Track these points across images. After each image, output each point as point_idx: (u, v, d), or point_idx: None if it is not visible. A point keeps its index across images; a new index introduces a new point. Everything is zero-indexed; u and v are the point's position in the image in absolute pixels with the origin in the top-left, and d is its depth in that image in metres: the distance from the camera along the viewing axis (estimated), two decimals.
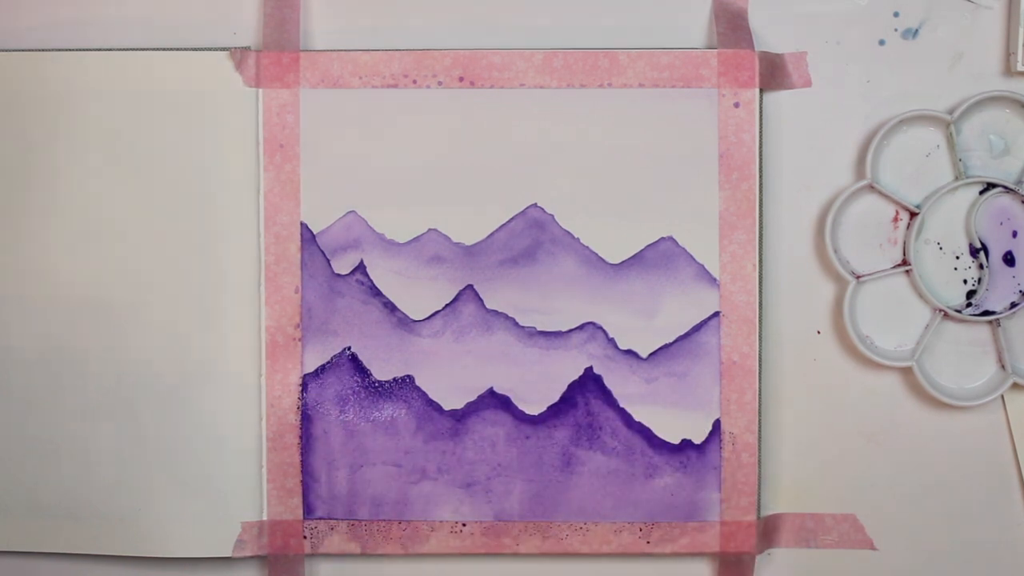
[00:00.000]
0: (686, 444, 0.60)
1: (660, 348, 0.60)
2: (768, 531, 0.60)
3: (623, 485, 0.60)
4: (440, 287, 0.60)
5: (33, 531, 0.61)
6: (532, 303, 0.60)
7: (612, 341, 0.60)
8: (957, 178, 0.59)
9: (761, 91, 0.60)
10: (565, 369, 0.60)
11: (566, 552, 0.60)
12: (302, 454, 0.60)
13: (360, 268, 0.60)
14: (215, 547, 0.60)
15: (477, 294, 0.60)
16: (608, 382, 0.60)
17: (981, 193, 0.59)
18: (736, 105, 0.59)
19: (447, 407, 0.60)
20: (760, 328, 0.60)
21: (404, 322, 0.60)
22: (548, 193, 0.60)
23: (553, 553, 0.60)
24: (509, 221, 0.60)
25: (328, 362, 0.60)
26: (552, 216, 0.60)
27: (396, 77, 0.60)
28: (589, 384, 0.60)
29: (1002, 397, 0.60)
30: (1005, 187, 0.59)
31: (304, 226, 0.60)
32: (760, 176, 0.60)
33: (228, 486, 0.60)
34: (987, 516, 0.61)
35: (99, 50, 0.60)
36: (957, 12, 0.60)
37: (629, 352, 0.60)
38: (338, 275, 0.60)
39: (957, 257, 0.60)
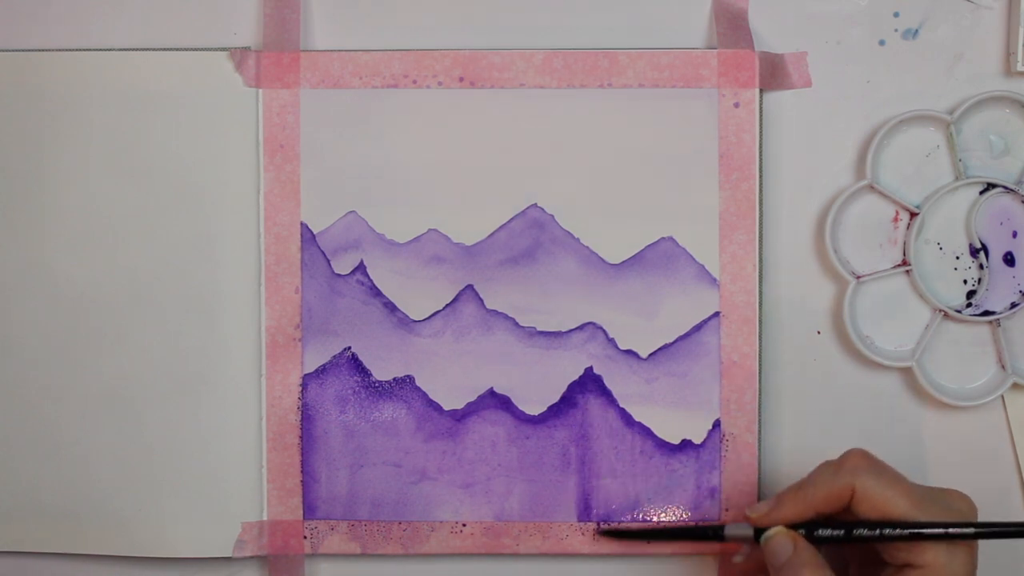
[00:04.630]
0: (686, 444, 0.60)
1: (660, 348, 0.60)
2: None
3: (623, 485, 0.60)
4: (440, 287, 0.60)
5: (33, 531, 0.61)
6: (532, 303, 0.60)
7: (612, 341, 0.60)
8: (957, 178, 0.59)
9: (761, 91, 0.60)
10: (565, 369, 0.60)
11: (566, 552, 0.60)
12: (302, 454, 0.60)
13: (360, 268, 0.60)
14: (215, 547, 0.60)
15: (477, 294, 0.60)
16: (608, 382, 0.60)
17: (981, 193, 0.59)
18: (736, 105, 0.59)
19: (447, 407, 0.60)
20: (760, 328, 0.60)
21: (404, 322, 0.60)
22: (548, 193, 0.60)
23: (553, 553, 0.60)
24: (509, 221, 0.60)
25: (328, 362, 0.60)
26: (552, 216, 0.60)
27: (396, 77, 0.60)
28: (589, 384, 0.60)
29: (1002, 397, 0.60)
30: (1005, 187, 0.59)
31: (304, 226, 0.60)
32: (760, 176, 0.60)
33: (228, 486, 0.60)
34: (987, 516, 0.61)
35: (99, 50, 0.60)
36: (957, 12, 0.60)
37: (629, 352, 0.60)
38: (338, 275, 0.60)
39: (957, 257, 0.60)
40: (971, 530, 0.49)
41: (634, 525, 0.59)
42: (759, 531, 0.53)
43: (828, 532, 0.52)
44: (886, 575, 0.51)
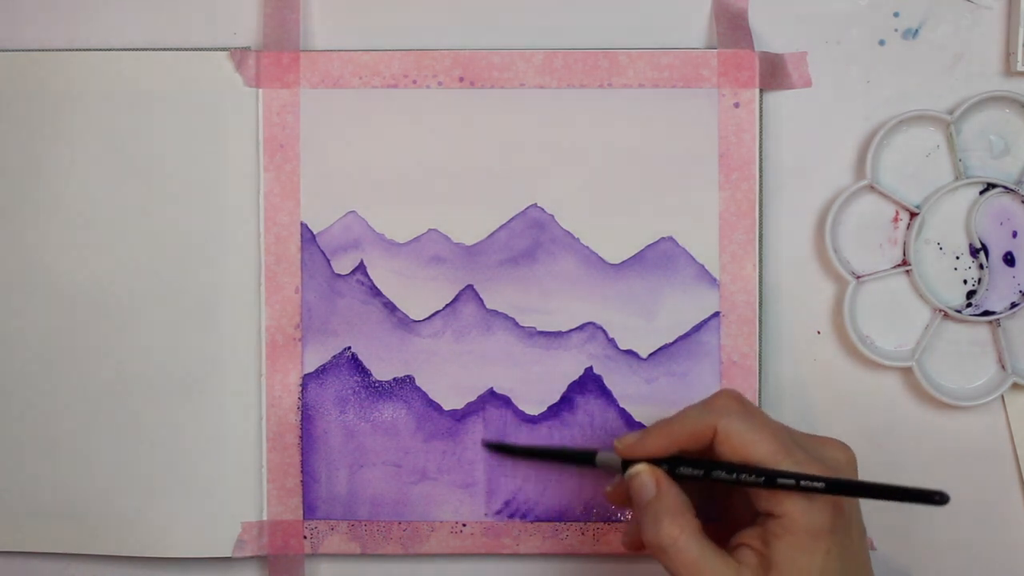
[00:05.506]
0: None
1: (660, 348, 0.60)
2: None
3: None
4: (440, 287, 0.60)
5: (33, 531, 0.61)
6: (532, 303, 0.60)
7: (612, 341, 0.60)
8: (957, 178, 0.59)
9: (761, 91, 0.60)
10: (565, 369, 0.60)
11: (566, 552, 0.60)
12: (302, 454, 0.60)
13: (360, 268, 0.60)
14: (215, 547, 0.60)
15: (477, 294, 0.60)
16: (608, 382, 0.60)
17: (981, 193, 0.59)
18: (736, 105, 0.59)
19: (447, 407, 0.60)
20: (760, 328, 0.60)
21: (404, 322, 0.60)
22: (548, 193, 0.60)
23: (553, 553, 0.60)
24: (509, 221, 0.60)
25: (328, 362, 0.60)
26: (552, 216, 0.60)
27: (396, 77, 0.60)
28: (589, 384, 0.60)
29: (1002, 397, 0.60)
30: (1005, 187, 0.59)
31: (304, 226, 0.60)
32: (760, 176, 0.60)
33: (228, 486, 0.60)
34: (987, 516, 0.61)
35: (99, 50, 0.60)
36: (957, 12, 0.60)
37: (629, 352, 0.60)
38: (338, 275, 0.60)
39: (957, 257, 0.60)
40: (821, 484, 0.47)
41: (517, 444, 0.60)
42: (628, 463, 0.52)
43: (689, 471, 0.50)
44: (759, 523, 0.49)
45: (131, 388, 0.60)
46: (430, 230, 0.60)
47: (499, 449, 0.59)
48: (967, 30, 0.60)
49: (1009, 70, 0.60)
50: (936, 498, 0.45)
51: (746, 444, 0.49)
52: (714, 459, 0.50)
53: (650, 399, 0.60)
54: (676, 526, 0.49)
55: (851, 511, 0.50)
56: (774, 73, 0.60)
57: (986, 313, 0.59)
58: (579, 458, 0.55)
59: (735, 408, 0.50)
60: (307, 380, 0.60)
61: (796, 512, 0.48)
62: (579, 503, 0.60)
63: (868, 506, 0.61)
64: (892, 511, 0.61)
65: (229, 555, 0.60)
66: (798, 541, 0.48)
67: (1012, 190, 0.59)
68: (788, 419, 0.61)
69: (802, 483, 0.47)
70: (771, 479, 0.48)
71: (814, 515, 0.48)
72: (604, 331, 0.60)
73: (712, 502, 0.53)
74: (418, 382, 0.60)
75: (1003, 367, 0.60)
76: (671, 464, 0.51)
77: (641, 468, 0.51)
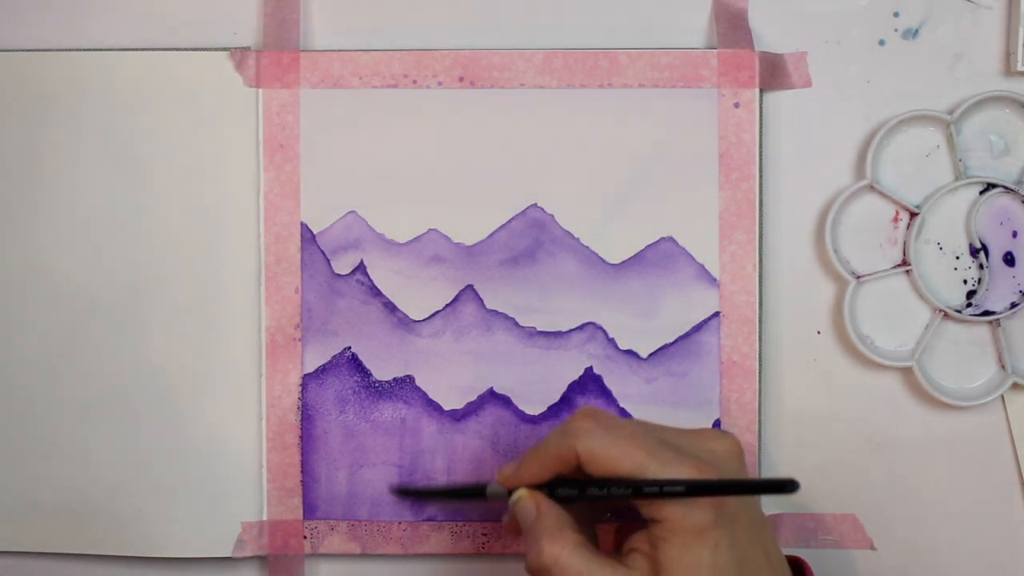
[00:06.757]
0: None
1: (660, 348, 0.60)
2: None
3: None
4: (440, 287, 0.60)
5: (33, 531, 0.61)
6: (532, 303, 0.60)
7: (612, 341, 0.60)
8: (957, 178, 0.59)
9: (761, 91, 0.60)
10: (565, 369, 0.60)
11: None
12: (302, 454, 0.60)
13: (360, 268, 0.60)
14: (215, 547, 0.60)
15: (477, 294, 0.60)
16: (608, 382, 0.60)
17: (981, 193, 0.59)
18: (736, 105, 0.59)
19: (447, 407, 0.60)
20: (760, 328, 0.60)
21: (404, 322, 0.60)
22: (548, 193, 0.60)
23: None
24: (509, 221, 0.60)
25: (328, 362, 0.60)
26: (552, 216, 0.60)
27: (396, 77, 0.60)
28: (589, 384, 0.60)
29: (1002, 397, 0.60)
30: (1005, 187, 0.59)
31: (304, 226, 0.60)
32: (760, 176, 0.60)
33: (228, 486, 0.60)
34: (987, 516, 0.61)
35: (99, 50, 0.60)
36: (957, 12, 0.60)
37: (629, 352, 0.60)
38: (338, 275, 0.60)
39: (957, 257, 0.60)
40: (682, 488, 0.47)
41: (419, 485, 0.60)
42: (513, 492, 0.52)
43: (565, 492, 0.50)
44: (647, 526, 0.49)
45: (131, 388, 0.60)
46: (430, 230, 0.60)
47: (405, 494, 0.58)
48: (967, 30, 0.60)
49: (1009, 70, 0.60)
50: (788, 487, 0.45)
51: (609, 459, 0.48)
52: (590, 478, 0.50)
53: (650, 399, 0.60)
54: (556, 545, 0.49)
55: (737, 501, 0.49)
56: (774, 73, 0.60)
57: (986, 313, 0.59)
58: (472, 493, 0.55)
59: (590, 427, 0.49)
60: (307, 380, 0.60)
61: (675, 515, 0.47)
62: None
63: (867, 506, 0.61)
64: (892, 511, 0.61)
65: (229, 555, 0.60)
66: (683, 541, 0.47)
67: (1012, 190, 0.59)
68: (788, 419, 0.61)
69: (665, 489, 0.47)
70: (638, 490, 0.47)
71: (695, 514, 0.47)
72: (604, 331, 0.60)
73: (613, 510, 0.53)
74: (418, 382, 0.60)
75: (1003, 367, 0.60)
76: (551, 487, 0.51)
77: (522, 493, 0.51)
